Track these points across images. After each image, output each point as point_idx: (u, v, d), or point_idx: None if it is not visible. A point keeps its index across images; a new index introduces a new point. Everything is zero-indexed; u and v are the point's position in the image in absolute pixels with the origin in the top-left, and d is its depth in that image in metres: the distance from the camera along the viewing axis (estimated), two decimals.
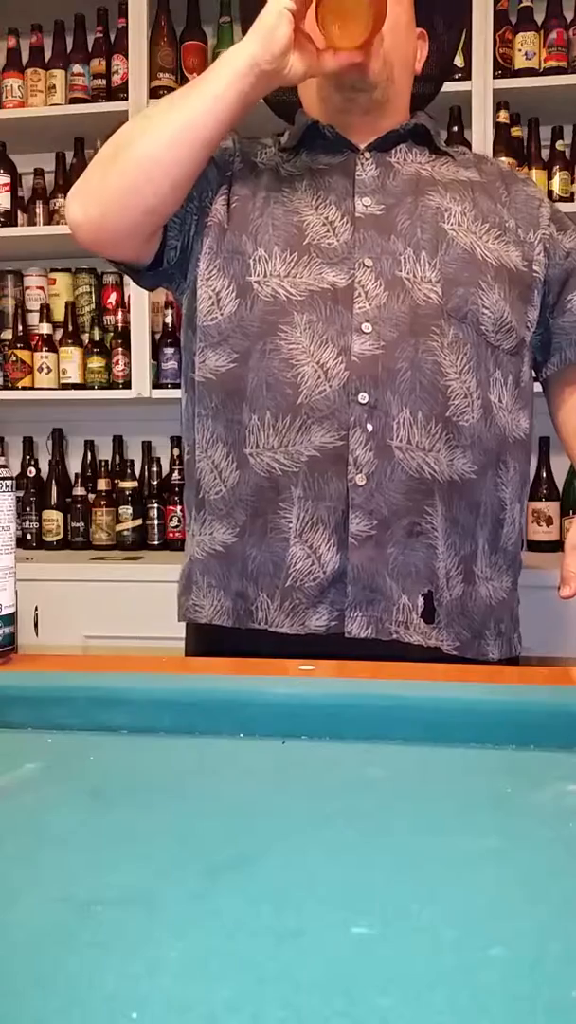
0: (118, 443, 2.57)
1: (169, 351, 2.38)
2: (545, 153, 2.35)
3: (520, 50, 2.26)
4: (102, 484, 2.47)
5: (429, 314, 1.00)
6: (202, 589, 1.04)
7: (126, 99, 2.34)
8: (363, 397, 0.97)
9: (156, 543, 2.42)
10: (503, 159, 2.27)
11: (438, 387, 0.99)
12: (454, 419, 0.99)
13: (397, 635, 0.97)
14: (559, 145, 2.33)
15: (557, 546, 2.32)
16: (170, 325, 2.42)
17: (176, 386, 2.39)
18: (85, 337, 2.50)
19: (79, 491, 2.51)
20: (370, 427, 0.97)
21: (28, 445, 2.57)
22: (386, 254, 1.01)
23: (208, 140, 0.99)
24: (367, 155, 1.08)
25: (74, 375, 2.44)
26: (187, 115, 0.98)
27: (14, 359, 2.45)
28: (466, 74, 2.24)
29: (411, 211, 1.04)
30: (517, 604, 1.10)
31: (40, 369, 2.45)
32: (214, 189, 1.08)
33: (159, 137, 0.99)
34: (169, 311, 2.43)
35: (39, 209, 2.48)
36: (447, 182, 1.08)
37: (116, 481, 2.47)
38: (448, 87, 2.27)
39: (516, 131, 2.34)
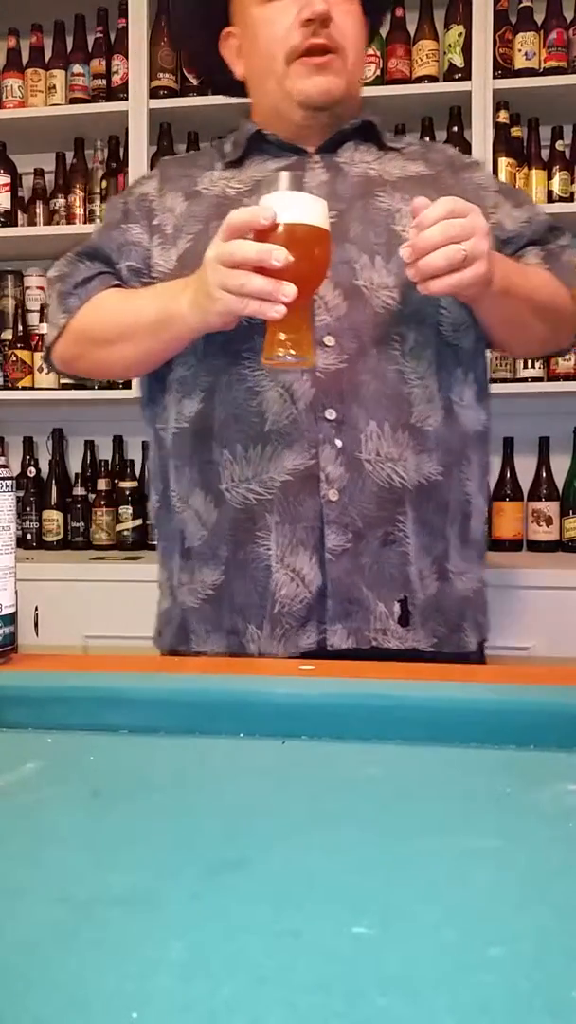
0: (118, 443, 2.57)
1: None
2: (545, 153, 2.36)
3: (520, 50, 2.26)
4: (102, 484, 2.47)
5: (388, 321, 1.00)
6: (200, 637, 1.04)
7: (126, 99, 2.34)
8: (330, 413, 0.97)
9: (156, 543, 2.41)
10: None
11: (402, 395, 0.99)
12: (418, 425, 0.99)
13: (376, 642, 0.97)
14: (559, 145, 2.34)
15: (557, 546, 2.32)
16: None
17: None
18: None
19: (79, 491, 2.51)
20: (339, 442, 0.97)
21: (28, 445, 2.57)
22: (342, 262, 0.99)
23: (163, 360, 1.06)
24: (316, 159, 1.07)
25: None
26: (140, 354, 1.05)
27: (14, 359, 2.45)
28: (466, 74, 2.24)
29: (362, 215, 1.03)
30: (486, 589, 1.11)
31: (40, 369, 2.45)
32: (149, 247, 1.08)
33: (123, 357, 1.07)
34: None
35: (39, 209, 2.48)
36: (395, 180, 1.07)
37: (116, 481, 2.47)
38: (448, 87, 2.29)
39: (516, 131, 2.35)
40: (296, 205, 0.87)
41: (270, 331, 0.89)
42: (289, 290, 0.84)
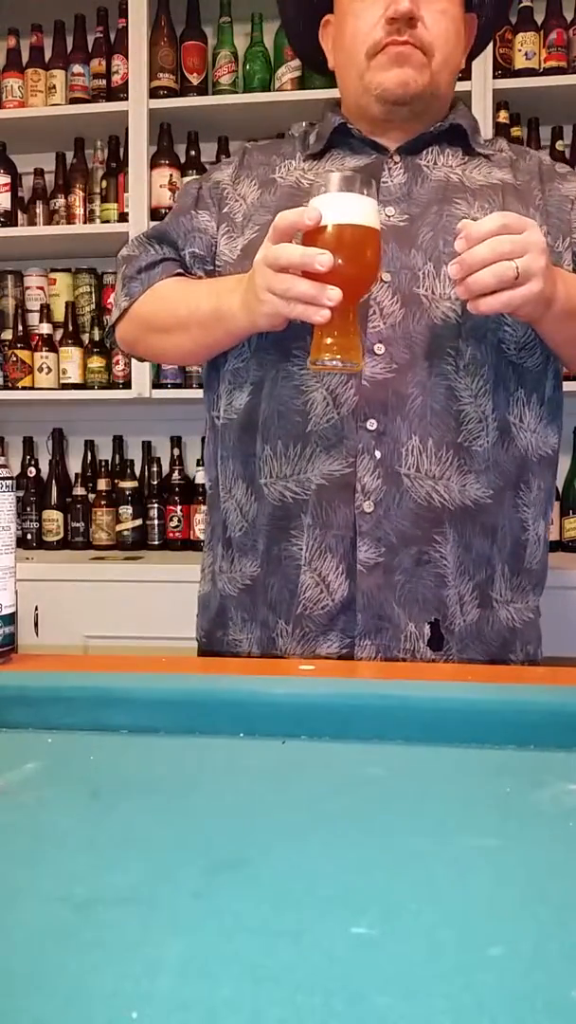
0: (118, 443, 2.57)
1: None
2: (545, 153, 2.35)
3: (520, 50, 2.26)
4: (102, 484, 2.47)
5: (445, 334, 0.96)
6: (238, 625, 1.05)
7: (126, 99, 2.33)
8: (371, 424, 0.95)
9: (156, 543, 2.42)
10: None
11: (450, 412, 0.96)
12: (466, 444, 0.96)
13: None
14: (559, 145, 2.34)
15: (557, 546, 2.32)
16: None
17: (176, 386, 2.40)
18: (85, 337, 2.50)
19: (79, 491, 2.51)
20: (378, 454, 0.95)
21: (28, 445, 2.57)
22: (405, 269, 0.97)
23: (217, 352, 1.06)
24: (396, 159, 1.04)
25: (74, 375, 2.44)
26: (194, 346, 1.06)
27: (14, 359, 2.45)
28: (466, 74, 2.24)
29: (435, 222, 1.00)
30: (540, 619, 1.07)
31: (40, 369, 2.45)
32: (216, 235, 1.08)
33: (178, 346, 1.09)
34: None
35: (39, 209, 2.48)
36: (476, 188, 1.03)
37: (116, 481, 2.47)
38: None
39: (516, 131, 2.34)
40: (344, 206, 0.84)
41: (317, 334, 0.87)
42: (334, 294, 0.82)
